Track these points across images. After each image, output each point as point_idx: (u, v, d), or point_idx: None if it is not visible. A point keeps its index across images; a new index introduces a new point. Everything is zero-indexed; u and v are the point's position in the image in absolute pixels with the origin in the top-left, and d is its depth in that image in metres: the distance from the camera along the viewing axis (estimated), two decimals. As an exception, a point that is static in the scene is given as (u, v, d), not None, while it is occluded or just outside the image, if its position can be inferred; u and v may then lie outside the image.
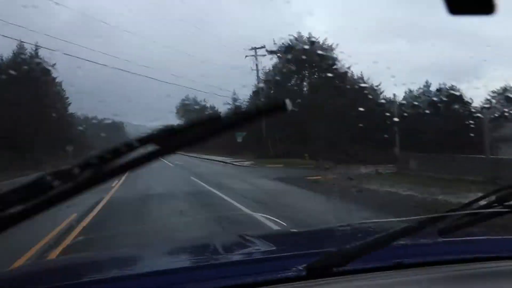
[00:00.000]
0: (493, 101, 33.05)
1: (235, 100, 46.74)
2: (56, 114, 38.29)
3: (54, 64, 33.78)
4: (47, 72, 36.25)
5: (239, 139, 34.70)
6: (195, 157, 38.35)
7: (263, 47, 39.12)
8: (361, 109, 24.31)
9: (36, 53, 34.34)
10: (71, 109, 50.13)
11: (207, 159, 36.17)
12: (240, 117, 0.84)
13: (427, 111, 29.37)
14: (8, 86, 29.72)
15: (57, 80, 42.24)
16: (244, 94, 59.14)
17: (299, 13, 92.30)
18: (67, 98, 47.65)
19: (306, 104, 32.43)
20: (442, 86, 32.75)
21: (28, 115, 30.97)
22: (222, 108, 49.35)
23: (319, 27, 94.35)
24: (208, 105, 66.59)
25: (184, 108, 76.19)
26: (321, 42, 37.23)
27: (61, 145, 35.11)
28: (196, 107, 71.48)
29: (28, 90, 30.96)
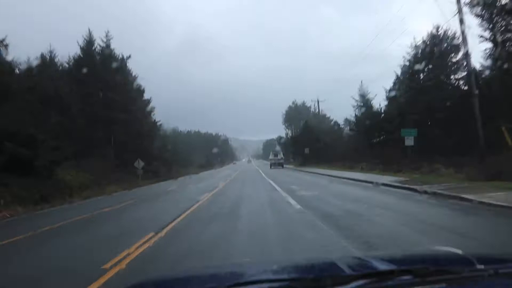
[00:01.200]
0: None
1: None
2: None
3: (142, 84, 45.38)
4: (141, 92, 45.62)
5: (409, 142, 23.91)
6: (311, 172, 37.26)
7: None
8: None
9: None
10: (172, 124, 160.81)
11: (335, 176, 27.07)
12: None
13: None
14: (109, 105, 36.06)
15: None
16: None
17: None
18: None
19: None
20: None
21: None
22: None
23: None
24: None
25: (290, 115, 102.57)
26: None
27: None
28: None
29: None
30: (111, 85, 37.66)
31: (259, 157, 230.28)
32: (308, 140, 55.80)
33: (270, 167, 63.05)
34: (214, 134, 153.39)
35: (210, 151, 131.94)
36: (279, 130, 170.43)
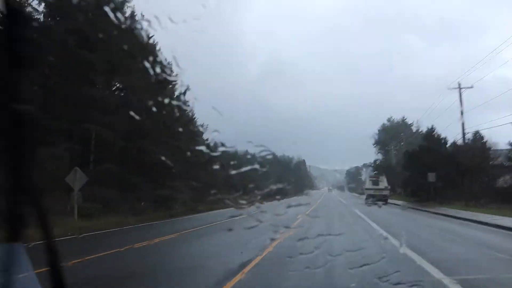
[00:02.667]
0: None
1: None
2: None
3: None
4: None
5: None
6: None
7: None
8: None
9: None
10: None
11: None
12: None
13: None
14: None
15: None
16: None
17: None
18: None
19: None
20: None
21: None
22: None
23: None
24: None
25: (385, 135, 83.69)
26: None
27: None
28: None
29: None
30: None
31: (341, 188, 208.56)
32: (435, 160, 35.35)
33: (366, 202, 43.09)
34: (290, 157, 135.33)
35: (284, 177, 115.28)
36: (364, 158, 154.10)
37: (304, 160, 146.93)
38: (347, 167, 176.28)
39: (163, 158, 25.94)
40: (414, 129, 74.96)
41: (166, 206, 24.67)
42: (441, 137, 40.67)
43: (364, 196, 68.07)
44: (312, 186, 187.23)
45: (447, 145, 40.15)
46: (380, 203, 40.71)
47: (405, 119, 79.00)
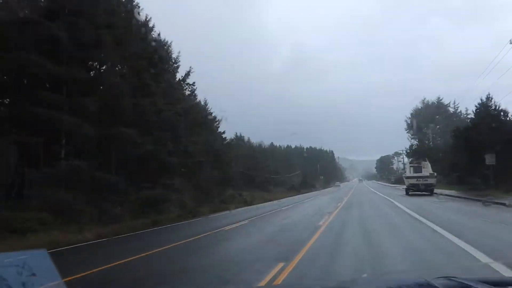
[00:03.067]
0: None
1: None
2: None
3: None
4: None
5: None
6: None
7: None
8: None
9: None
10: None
11: None
12: None
13: None
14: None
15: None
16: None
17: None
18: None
19: None
20: None
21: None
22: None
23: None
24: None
25: (419, 117, 73.26)
26: None
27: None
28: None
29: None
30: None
31: (371, 177, 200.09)
32: (493, 138, 28.54)
33: (407, 193, 36.52)
34: (317, 148, 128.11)
35: (311, 169, 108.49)
36: (395, 147, 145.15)
37: (332, 151, 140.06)
38: (376, 157, 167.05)
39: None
40: (451, 110, 67.38)
41: (155, 210, 19.08)
42: (499, 108, 33.25)
43: (399, 186, 62.35)
44: (341, 178, 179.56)
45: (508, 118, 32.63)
46: (424, 193, 34.17)
47: (441, 99, 71.24)
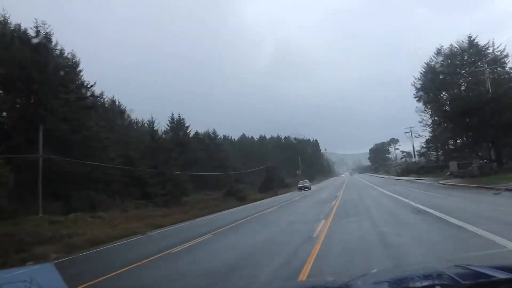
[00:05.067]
0: None
1: None
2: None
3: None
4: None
5: None
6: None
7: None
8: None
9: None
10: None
11: None
12: None
13: None
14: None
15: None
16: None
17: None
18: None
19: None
20: None
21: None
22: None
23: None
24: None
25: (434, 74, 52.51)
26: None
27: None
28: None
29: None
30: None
31: (364, 170, 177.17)
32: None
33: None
34: (298, 138, 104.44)
35: (291, 162, 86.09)
36: (387, 136, 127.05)
37: (317, 140, 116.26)
38: (368, 149, 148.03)
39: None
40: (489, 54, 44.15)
41: None
42: None
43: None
44: (329, 173, 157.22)
45: None
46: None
47: (474, 39, 47.58)
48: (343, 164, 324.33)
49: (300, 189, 49.70)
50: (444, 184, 26.47)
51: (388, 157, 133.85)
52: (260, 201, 34.33)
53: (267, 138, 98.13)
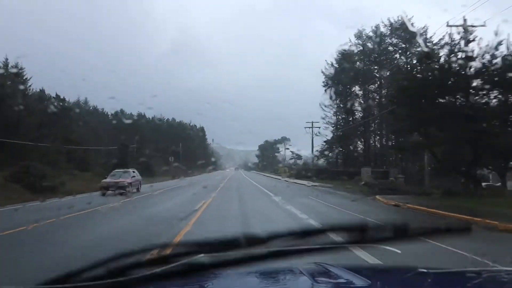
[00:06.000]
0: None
1: None
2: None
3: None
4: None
5: None
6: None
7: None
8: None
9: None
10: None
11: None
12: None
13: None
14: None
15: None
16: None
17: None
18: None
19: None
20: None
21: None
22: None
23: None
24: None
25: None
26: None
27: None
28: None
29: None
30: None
31: (251, 168, 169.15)
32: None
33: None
34: (180, 122, 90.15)
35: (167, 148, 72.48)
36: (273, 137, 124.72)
37: (203, 128, 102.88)
38: (256, 148, 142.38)
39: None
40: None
41: None
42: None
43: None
44: (215, 166, 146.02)
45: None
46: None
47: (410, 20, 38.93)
48: (230, 159, 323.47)
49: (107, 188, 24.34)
50: (398, 206, 15.29)
51: (277, 156, 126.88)
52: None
53: (147, 117, 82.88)
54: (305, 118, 74.12)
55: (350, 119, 45.67)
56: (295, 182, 39.77)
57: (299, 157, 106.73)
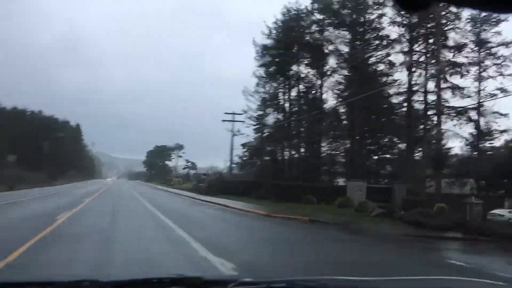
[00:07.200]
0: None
1: None
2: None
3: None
4: None
5: None
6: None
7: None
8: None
9: None
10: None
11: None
12: None
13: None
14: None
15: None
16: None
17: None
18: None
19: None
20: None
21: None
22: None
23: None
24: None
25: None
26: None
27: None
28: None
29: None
30: None
31: (137, 177, 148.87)
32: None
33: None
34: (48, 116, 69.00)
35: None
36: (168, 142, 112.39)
37: (79, 125, 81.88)
38: (143, 157, 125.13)
39: None
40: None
41: None
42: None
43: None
44: (95, 173, 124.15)
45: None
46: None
47: None
48: (113, 167, 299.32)
49: None
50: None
51: (168, 164, 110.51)
52: None
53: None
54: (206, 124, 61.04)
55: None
56: (208, 201, 25.38)
57: (193, 165, 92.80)
